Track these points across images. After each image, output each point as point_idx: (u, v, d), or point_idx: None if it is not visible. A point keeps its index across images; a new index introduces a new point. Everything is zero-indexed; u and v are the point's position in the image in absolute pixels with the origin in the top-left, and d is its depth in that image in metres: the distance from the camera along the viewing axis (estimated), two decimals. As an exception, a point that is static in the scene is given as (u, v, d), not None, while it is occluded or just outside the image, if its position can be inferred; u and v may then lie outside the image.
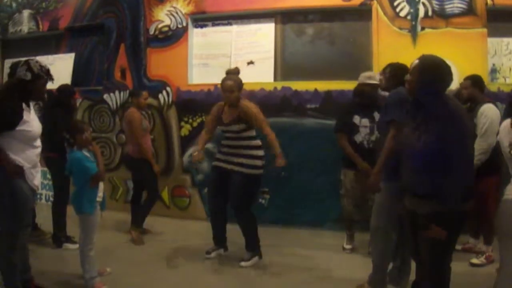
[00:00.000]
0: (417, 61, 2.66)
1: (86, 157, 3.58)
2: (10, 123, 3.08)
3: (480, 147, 3.85)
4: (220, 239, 4.43)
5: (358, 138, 4.38)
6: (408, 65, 2.80)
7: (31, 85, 3.17)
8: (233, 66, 5.45)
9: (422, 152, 2.57)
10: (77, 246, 4.08)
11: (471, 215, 3.93)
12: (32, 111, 3.30)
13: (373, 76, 4.36)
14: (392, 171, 3.03)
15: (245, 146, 4.20)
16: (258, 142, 4.24)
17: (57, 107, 4.61)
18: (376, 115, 4.25)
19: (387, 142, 3.20)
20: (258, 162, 4.19)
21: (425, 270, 2.79)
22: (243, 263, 4.19)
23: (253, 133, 4.23)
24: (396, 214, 3.15)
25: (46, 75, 3.26)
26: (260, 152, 4.22)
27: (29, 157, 3.22)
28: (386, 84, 3.52)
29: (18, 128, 3.09)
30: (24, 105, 3.18)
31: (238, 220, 4.24)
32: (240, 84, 4.21)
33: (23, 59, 3.33)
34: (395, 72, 3.42)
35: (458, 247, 4.28)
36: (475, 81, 4.15)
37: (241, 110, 4.15)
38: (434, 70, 2.59)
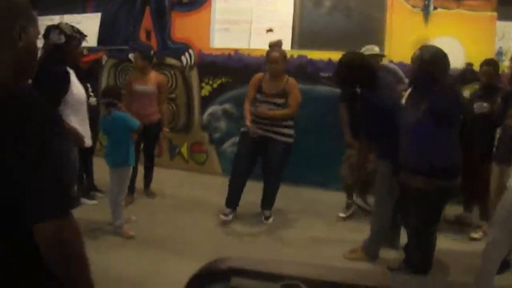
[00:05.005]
0: (418, 51, 2.97)
1: (129, 115, 4.04)
2: (64, 88, 3.19)
3: None
4: (235, 201, 4.52)
5: None
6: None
7: (66, 47, 3.28)
8: (253, 33, 5.76)
9: (412, 128, 2.94)
10: (102, 195, 4.67)
11: (465, 190, 4.27)
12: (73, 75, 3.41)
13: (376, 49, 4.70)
14: (387, 149, 3.37)
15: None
16: None
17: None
18: None
19: None
20: (292, 131, 4.47)
21: (413, 238, 3.14)
22: (270, 221, 4.50)
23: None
24: (394, 186, 3.45)
25: (79, 35, 3.40)
26: (292, 122, 4.48)
27: (81, 120, 3.43)
28: None
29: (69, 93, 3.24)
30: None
31: (271, 183, 4.52)
32: (285, 55, 4.43)
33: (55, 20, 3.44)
34: None
35: (451, 218, 4.50)
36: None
37: (288, 84, 4.37)
38: (433, 60, 2.89)
